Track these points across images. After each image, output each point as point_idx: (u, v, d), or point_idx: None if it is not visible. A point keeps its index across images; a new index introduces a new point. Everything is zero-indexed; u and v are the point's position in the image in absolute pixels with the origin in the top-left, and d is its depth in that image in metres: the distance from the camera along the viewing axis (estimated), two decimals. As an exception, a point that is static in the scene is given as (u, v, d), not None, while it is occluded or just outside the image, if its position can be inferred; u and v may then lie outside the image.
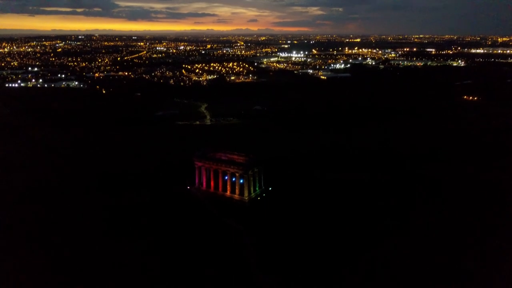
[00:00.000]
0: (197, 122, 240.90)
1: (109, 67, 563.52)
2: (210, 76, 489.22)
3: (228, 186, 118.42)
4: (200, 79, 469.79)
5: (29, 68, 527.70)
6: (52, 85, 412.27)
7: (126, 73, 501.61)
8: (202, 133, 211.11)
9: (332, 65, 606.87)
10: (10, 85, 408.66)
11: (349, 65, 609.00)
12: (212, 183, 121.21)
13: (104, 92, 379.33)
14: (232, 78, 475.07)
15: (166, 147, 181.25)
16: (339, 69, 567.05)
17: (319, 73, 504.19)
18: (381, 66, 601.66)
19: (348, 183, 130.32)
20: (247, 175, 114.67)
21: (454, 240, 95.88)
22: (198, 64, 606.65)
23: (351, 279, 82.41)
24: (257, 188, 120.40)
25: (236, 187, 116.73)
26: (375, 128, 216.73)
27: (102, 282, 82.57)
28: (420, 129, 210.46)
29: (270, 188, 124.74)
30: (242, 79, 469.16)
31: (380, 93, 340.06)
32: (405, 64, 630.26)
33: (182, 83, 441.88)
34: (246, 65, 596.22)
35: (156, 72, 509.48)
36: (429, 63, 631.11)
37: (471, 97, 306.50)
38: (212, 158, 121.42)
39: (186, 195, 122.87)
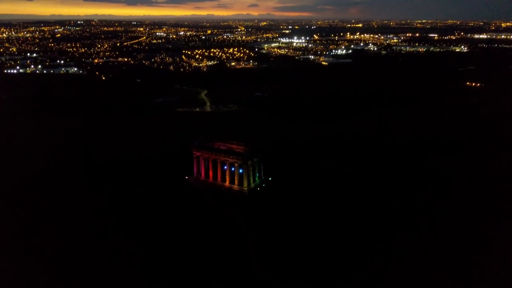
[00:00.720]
0: (197, 109, 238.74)
1: (108, 53, 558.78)
2: (210, 62, 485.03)
3: (227, 176, 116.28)
4: (200, 65, 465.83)
5: (28, 54, 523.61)
6: (51, 71, 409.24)
7: (126, 59, 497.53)
8: (202, 120, 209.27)
9: (333, 51, 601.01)
10: (9, 71, 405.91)
11: (350, 51, 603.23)
12: (211, 173, 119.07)
13: (103, 78, 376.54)
14: (233, 64, 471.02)
15: (165, 135, 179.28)
16: (341, 55, 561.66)
17: (321, 59, 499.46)
18: (383, 52, 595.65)
19: (348, 173, 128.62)
20: (246, 165, 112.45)
21: (460, 234, 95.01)
22: (198, 49, 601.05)
23: (351, 272, 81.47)
24: (256, 178, 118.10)
25: (235, 177, 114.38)
26: (376, 115, 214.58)
27: (98, 276, 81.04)
28: (421, 117, 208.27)
29: (270, 178, 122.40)
30: (242, 65, 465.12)
31: (381, 79, 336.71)
32: (407, 50, 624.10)
33: (182, 69, 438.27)
34: (247, 51, 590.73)
35: (156, 58, 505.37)
36: (431, 48, 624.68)
37: (474, 84, 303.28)
38: (211, 147, 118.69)
39: (185, 185, 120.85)
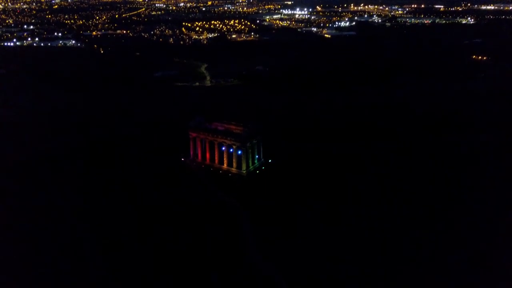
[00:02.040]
0: (197, 84, 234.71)
1: (107, 25, 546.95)
2: (211, 34, 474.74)
3: (225, 159, 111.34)
4: (201, 37, 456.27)
5: (25, 26, 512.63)
6: (49, 44, 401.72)
7: (125, 32, 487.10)
8: (201, 95, 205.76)
9: (336, 23, 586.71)
10: (6, 44, 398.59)
11: (354, 23, 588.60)
12: (207, 155, 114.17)
13: (101, 51, 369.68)
14: (234, 36, 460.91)
15: (163, 111, 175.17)
16: (344, 27, 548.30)
17: (323, 31, 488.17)
18: (388, 24, 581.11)
19: (353, 154, 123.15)
20: (245, 147, 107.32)
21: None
22: (199, 22, 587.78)
23: (349, 260, 78.59)
24: (256, 161, 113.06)
25: (233, 159, 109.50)
26: (380, 89, 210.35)
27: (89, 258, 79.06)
28: (426, 92, 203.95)
29: (270, 161, 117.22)
30: (243, 37, 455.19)
31: (386, 52, 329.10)
32: (412, 21, 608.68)
33: (182, 42, 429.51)
34: (248, 23, 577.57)
35: (155, 31, 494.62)
36: (437, 20, 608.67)
37: (480, 57, 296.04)
38: (208, 128, 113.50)
39: (180, 167, 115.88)
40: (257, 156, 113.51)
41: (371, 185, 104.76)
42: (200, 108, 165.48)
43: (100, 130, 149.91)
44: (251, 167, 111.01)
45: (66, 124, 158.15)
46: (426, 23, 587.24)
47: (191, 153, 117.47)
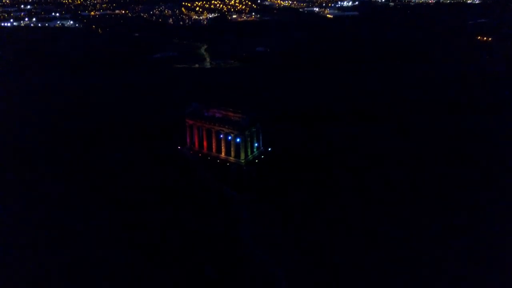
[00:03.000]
0: (196, 65, 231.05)
1: (105, 5, 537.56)
2: (211, 14, 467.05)
3: (222, 147, 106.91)
4: (201, 17, 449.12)
5: (22, 6, 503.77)
6: (46, 24, 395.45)
7: (123, 12, 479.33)
8: (200, 78, 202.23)
9: (339, 3, 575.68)
10: (2, 24, 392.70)
11: (357, 3, 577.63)
12: (205, 143, 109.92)
13: (100, 32, 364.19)
14: (234, 16, 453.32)
15: (160, 94, 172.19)
16: (347, 7, 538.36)
17: (326, 11, 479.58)
18: (391, 4, 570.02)
19: (355, 138, 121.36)
20: (243, 135, 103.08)
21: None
22: (199, 1, 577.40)
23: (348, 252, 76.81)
24: (255, 149, 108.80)
25: (232, 148, 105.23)
26: (382, 72, 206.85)
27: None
28: (430, 75, 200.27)
29: (269, 149, 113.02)
30: (244, 17, 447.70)
31: (388, 32, 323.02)
32: (417, 1, 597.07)
33: (181, 22, 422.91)
34: (249, 3, 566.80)
35: (154, 11, 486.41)
36: (442, 0, 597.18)
37: (485, 38, 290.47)
38: (205, 116, 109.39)
39: (177, 156, 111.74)
40: (256, 144, 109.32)
41: (372, 176, 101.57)
42: (199, 91, 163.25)
43: (93, 115, 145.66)
44: (250, 156, 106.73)
45: (53, 112, 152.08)
46: (430, 2, 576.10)
47: (188, 140, 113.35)
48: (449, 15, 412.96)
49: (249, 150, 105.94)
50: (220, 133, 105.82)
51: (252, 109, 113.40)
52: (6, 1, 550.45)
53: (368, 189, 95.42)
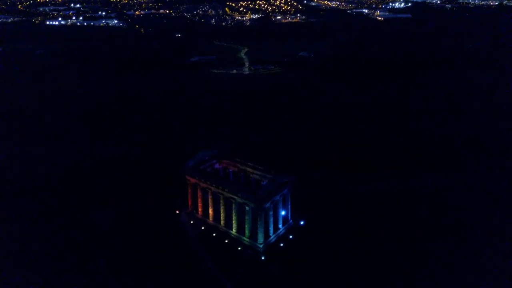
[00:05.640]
0: (234, 71, 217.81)
1: (151, 4, 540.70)
2: (255, 15, 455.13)
3: (233, 222, 76.86)
4: (244, 18, 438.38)
5: (72, 5, 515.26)
6: (91, 23, 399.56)
7: (167, 11, 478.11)
8: (233, 87, 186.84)
9: (390, 4, 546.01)
10: (51, 22, 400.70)
11: (410, 4, 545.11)
12: (211, 211, 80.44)
13: (142, 31, 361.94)
14: (278, 17, 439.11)
15: (188, 108, 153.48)
16: (399, 9, 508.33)
17: (376, 13, 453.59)
18: (448, 6, 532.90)
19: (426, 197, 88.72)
20: (262, 211, 71.81)
21: None
22: (243, 1, 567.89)
23: None
24: (280, 225, 77.79)
25: (246, 225, 74.91)
26: (439, 83, 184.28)
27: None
28: (492, 88, 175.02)
29: (302, 223, 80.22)
30: (288, 19, 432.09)
31: (445, 38, 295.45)
32: (476, 3, 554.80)
33: (224, 23, 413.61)
34: (295, 3, 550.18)
35: (198, 11, 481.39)
36: (504, 2, 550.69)
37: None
38: (212, 174, 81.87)
39: (173, 225, 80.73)
40: (283, 214, 77.93)
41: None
42: (224, 108, 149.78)
43: (94, 144, 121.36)
44: (272, 237, 75.79)
45: (66, 115, 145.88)
46: (492, 5, 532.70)
47: (189, 203, 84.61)
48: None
49: (271, 228, 75.41)
50: (231, 202, 76.12)
51: (281, 170, 79.34)
52: (58, 0, 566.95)
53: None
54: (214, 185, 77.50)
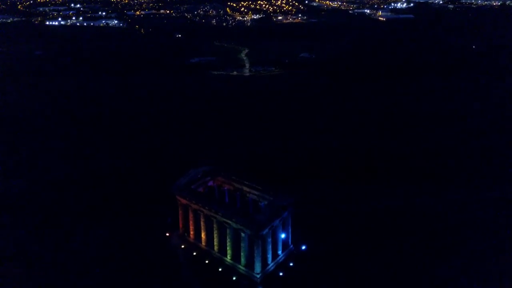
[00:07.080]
0: (234, 73, 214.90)
1: (151, 4, 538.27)
2: (256, 15, 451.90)
3: (228, 248, 71.17)
4: (245, 18, 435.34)
5: (72, 5, 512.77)
6: (91, 23, 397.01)
7: (168, 11, 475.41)
8: (233, 88, 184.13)
9: (392, 4, 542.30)
10: (50, 22, 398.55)
11: (412, 4, 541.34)
12: (203, 235, 74.31)
13: (142, 32, 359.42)
14: (279, 18, 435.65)
15: (186, 112, 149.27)
16: (401, 9, 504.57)
17: (378, 14, 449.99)
18: (450, 6, 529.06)
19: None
20: (260, 239, 65.93)
21: None
22: (244, 2, 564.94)
23: None
24: (279, 251, 72.10)
25: (242, 253, 69.44)
26: (444, 86, 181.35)
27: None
28: (497, 94, 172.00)
29: (303, 247, 74.69)
30: (290, 19, 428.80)
31: (448, 39, 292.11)
32: (479, 3, 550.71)
33: (224, 24, 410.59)
34: (296, 3, 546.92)
35: (199, 11, 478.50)
36: (508, 2, 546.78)
37: None
38: (204, 196, 74.81)
39: (162, 250, 75.11)
40: (283, 237, 71.41)
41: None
42: (222, 115, 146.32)
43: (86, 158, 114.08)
44: (270, 265, 69.91)
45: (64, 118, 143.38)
46: (495, 5, 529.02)
47: (180, 225, 78.02)
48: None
49: (270, 256, 69.48)
50: (225, 226, 69.99)
51: (282, 191, 72.79)
52: (58, 1, 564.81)
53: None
54: (206, 207, 70.69)
